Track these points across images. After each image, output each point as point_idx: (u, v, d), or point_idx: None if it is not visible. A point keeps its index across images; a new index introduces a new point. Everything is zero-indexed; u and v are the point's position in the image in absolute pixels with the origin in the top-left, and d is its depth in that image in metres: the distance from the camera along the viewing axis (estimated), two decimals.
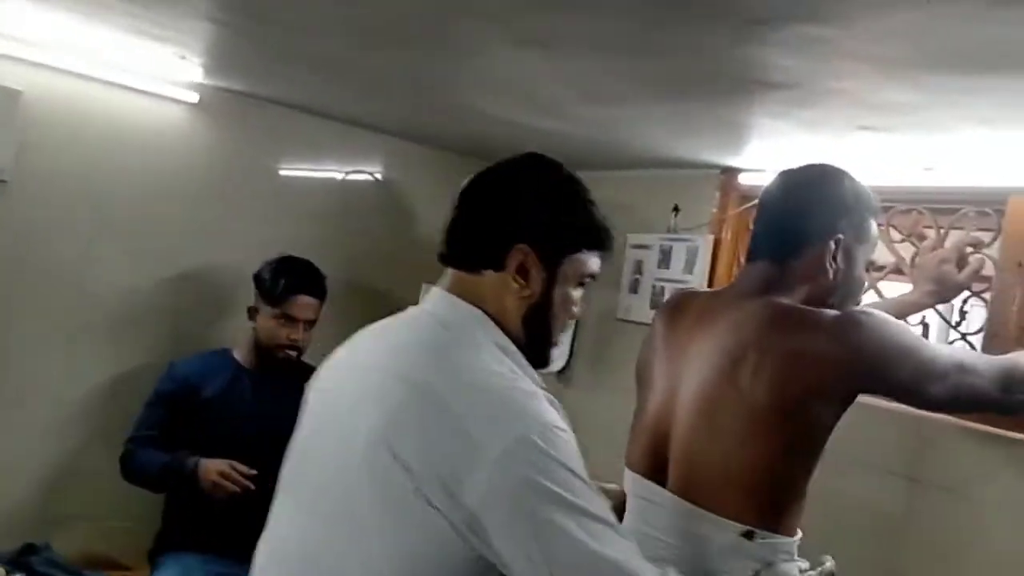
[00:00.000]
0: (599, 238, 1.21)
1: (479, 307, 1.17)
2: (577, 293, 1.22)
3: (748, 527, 1.28)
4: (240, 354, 2.41)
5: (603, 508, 1.06)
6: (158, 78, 2.43)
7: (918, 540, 1.83)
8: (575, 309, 1.23)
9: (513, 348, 1.16)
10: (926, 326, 1.89)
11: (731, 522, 1.28)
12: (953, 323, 1.87)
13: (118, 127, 2.47)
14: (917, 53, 1.22)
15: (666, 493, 1.37)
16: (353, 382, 1.17)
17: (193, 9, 1.71)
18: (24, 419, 2.43)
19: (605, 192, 2.72)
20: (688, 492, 1.33)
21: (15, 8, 1.90)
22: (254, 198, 2.73)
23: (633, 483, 1.46)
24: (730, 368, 1.31)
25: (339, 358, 1.24)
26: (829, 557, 1.49)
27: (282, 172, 2.80)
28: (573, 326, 1.17)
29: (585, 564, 1.02)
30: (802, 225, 1.41)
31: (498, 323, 1.18)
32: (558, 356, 1.19)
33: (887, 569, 1.87)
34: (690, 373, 1.39)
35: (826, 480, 1.98)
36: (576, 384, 2.85)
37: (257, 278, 2.38)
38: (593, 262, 1.22)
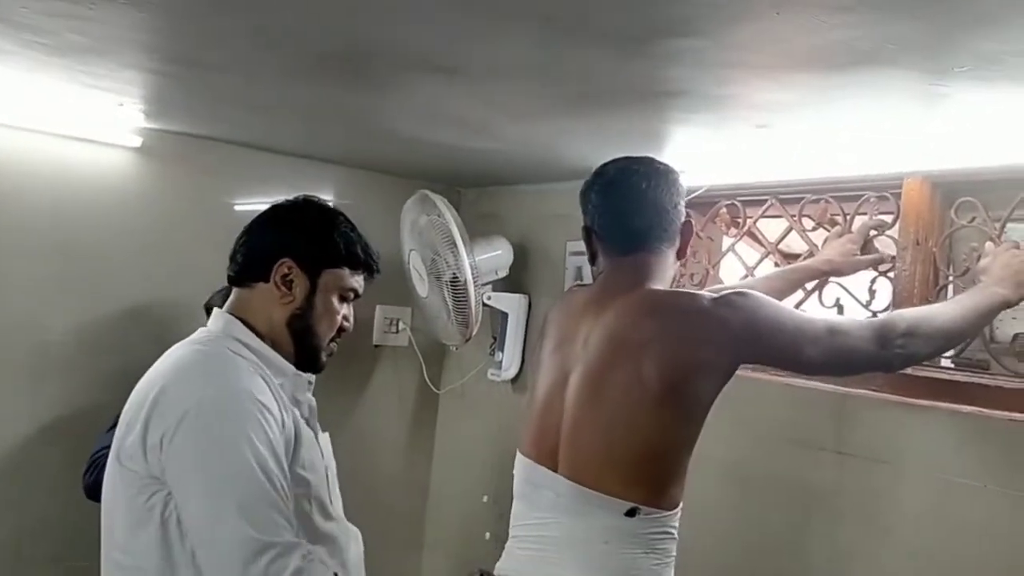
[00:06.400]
0: (354, 259, 1.44)
1: (246, 317, 1.39)
2: (342, 306, 1.44)
3: (633, 504, 1.36)
4: None
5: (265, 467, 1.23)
6: (100, 125, 2.50)
7: (848, 509, 1.93)
8: (341, 320, 1.44)
9: (257, 343, 1.37)
10: (841, 307, 2.00)
11: (617, 500, 1.36)
12: (864, 302, 1.98)
13: (66, 177, 2.56)
14: (777, 58, 1.32)
15: (555, 476, 1.44)
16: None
17: (127, 61, 1.80)
18: None
19: (546, 204, 2.89)
20: (576, 474, 1.41)
21: None
22: (206, 233, 2.79)
23: (524, 468, 1.53)
24: (617, 352, 1.41)
25: None
26: None
27: (232, 206, 2.88)
28: (338, 337, 1.49)
29: (212, 518, 1.22)
30: (672, 211, 1.57)
31: (264, 328, 1.39)
32: (325, 364, 1.47)
33: (822, 538, 1.97)
34: (578, 360, 1.48)
35: (760, 460, 2.10)
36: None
37: (208, 308, 2.45)
38: (352, 279, 1.44)
